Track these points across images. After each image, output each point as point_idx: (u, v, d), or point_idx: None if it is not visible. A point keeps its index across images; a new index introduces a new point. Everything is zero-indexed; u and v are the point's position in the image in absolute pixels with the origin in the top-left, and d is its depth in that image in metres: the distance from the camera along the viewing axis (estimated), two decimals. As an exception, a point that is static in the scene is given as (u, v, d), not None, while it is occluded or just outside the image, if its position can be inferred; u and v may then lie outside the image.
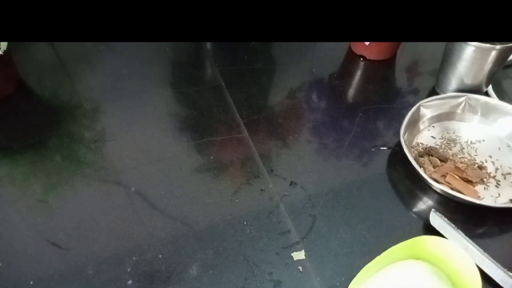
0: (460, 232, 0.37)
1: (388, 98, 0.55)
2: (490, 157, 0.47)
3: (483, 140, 0.49)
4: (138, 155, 0.48)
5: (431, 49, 0.63)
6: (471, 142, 0.49)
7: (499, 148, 0.48)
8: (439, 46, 0.62)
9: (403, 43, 0.63)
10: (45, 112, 0.53)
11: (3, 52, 0.48)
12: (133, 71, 0.59)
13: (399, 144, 0.46)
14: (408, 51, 0.63)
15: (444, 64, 0.52)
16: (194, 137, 0.49)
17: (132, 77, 0.58)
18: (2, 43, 0.48)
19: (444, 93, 0.54)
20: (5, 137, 0.50)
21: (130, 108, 0.53)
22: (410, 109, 0.48)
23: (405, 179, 0.46)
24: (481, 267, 0.36)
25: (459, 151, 0.47)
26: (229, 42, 0.62)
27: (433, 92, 0.55)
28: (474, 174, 0.44)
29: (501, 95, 0.54)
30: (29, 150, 0.48)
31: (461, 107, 0.50)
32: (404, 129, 0.46)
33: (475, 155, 0.47)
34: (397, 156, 0.47)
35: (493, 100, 0.49)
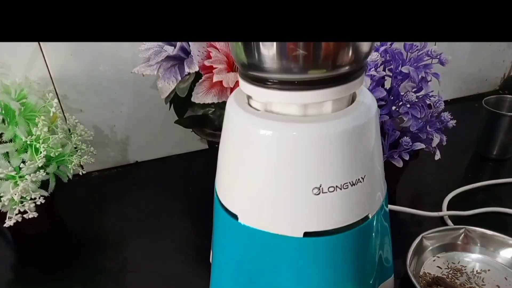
0: None
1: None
2: (498, 287, 0.48)
3: (489, 270, 0.50)
4: (158, 286, 0.50)
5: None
6: (477, 272, 0.50)
7: (505, 278, 0.49)
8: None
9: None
10: (75, 244, 0.58)
11: (49, 194, 0.55)
12: (158, 208, 0.65)
13: (406, 275, 0.48)
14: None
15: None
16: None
17: (156, 213, 0.64)
18: (50, 185, 0.56)
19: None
20: (37, 270, 0.54)
21: (152, 241, 0.58)
22: (413, 240, 0.51)
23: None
24: None
25: (466, 281, 0.49)
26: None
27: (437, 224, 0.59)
28: (484, 304, 0.44)
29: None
30: (56, 282, 0.52)
31: (461, 238, 0.53)
32: (409, 260, 0.49)
33: (482, 284, 0.48)
34: (406, 287, 0.49)
35: (489, 231, 0.52)
